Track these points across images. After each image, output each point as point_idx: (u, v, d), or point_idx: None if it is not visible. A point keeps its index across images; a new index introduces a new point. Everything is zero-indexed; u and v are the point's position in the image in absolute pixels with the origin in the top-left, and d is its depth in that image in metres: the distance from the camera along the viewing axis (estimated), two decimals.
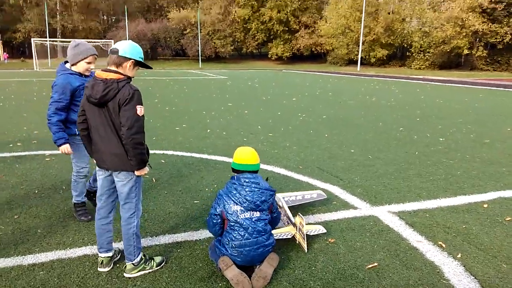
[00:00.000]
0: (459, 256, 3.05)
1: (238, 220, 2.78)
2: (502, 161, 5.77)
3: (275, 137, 7.30)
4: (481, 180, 4.91)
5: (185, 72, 31.93)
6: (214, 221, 2.87)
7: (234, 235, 2.76)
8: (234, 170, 3.04)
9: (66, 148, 3.38)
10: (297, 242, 3.19)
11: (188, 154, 6.05)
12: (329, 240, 3.29)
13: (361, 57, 40.24)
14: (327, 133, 7.73)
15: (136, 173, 2.62)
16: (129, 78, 2.59)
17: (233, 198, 2.83)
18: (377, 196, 4.32)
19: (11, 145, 6.52)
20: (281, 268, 2.86)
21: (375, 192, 4.45)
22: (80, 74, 3.39)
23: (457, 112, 10.68)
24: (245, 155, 3.06)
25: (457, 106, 11.98)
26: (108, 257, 2.82)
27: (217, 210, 2.85)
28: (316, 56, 52.80)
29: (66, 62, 3.45)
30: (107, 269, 2.80)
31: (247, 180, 2.87)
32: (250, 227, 2.76)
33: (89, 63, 3.36)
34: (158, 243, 3.22)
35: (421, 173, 5.18)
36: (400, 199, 4.25)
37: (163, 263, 2.89)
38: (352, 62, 44.57)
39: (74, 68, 3.38)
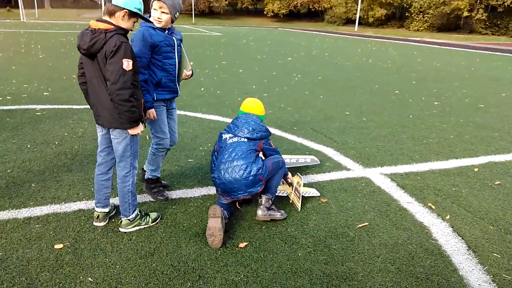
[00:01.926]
0: (447, 217, 3.13)
1: (227, 145, 2.98)
2: (495, 126, 5.81)
3: (270, 98, 7.23)
4: (473, 144, 4.96)
5: (178, 27, 31.00)
6: (213, 158, 3.10)
7: (220, 158, 2.94)
8: None
9: (152, 112, 2.95)
10: (291, 201, 3.24)
11: (182, 112, 5.99)
12: (322, 200, 3.35)
13: (359, 17, 39.27)
14: (322, 95, 7.67)
15: (129, 131, 2.53)
16: (122, 29, 2.41)
17: (226, 129, 3.09)
18: (370, 158, 4.35)
19: (0, 98, 6.38)
20: (274, 226, 2.92)
21: (368, 154, 4.49)
22: (163, 30, 2.95)
23: (453, 76, 10.61)
24: (252, 104, 3.26)
25: (453, 69, 11.89)
26: (104, 212, 2.83)
27: (214, 147, 3.09)
28: (313, 14, 51.37)
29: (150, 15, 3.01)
30: (102, 223, 2.82)
31: (244, 115, 3.13)
32: (234, 150, 2.92)
33: (155, 9, 2.90)
34: (152, 200, 3.25)
35: (414, 136, 5.21)
36: (393, 161, 4.29)
37: (159, 219, 2.92)
38: (350, 21, 43.53)
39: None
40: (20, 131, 4.78)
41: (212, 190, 3.44)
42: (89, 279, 2.29)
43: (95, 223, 2.83)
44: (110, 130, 2.60)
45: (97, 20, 2.41)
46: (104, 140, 2.69)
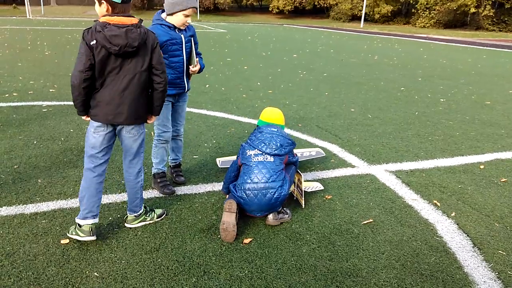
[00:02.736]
0: (453, 214, 3.12)
1: (251, 163, 2.87)
2: (501, 123, 5.77)
3: (274, 94, 7.22)
4: (479, 141, 4.93)
5: None
6: (231, 168, 3.03)
7: (245, 178, 2.83)
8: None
9: None
10: (295, 198, 3.25)
11: (187, 109, 5.99)
12: (326, 196, 3.34)
13: (365, 13, 39.02)
14: (327, 91, 7.65)
15: (153, 118, 2.68)
16: None
17: (250, 143, 2.97)
18: (375, 155, 4.34)
19: (6, 95, 6.43)
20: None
21: (373, 151, 4.48)
22: (174, 27, 2.99)
23: (459, 73, 10.53)
24: (273, 115, 3.19)
25: (460, 66, 11.80)
26: (96, 223, 2.58)
27: (237, 159, 3.00)
28: (318, 11, 51.13)
29: (163, 11, 3.05)
30: (94, 237, 2.55)
31: (268, 128, 3.02)
32: (260, 172, 2.83)
33: (187, 16, 2.95)
34: (158, 196, 3.26)
35: (419, 133, 5.19)
36: (398, 158, 4.28)
37: (164, 215, 2.93)
38: (355, 18, 43.28)
39: (169, 19, 2.98)
40: (27, 127, 4.81)
41: (217, 187, 3.45)
42: (95, 273, 2.31)
43: (86, 238, 2.52)
44: (126, 128, 2.53)
45: (119, 15, 2.31)
46: (106, 140, 2.55)
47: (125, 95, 2.42)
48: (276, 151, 2.90)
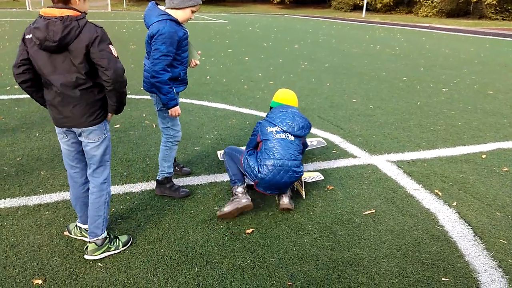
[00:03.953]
0: (454, 204, 3.13)
1: (273, 139, 2.87)
2: (503, 113, 5.75)
3: (276, 85, 7.20)
4: (481, 131, 4.92)
5: None
6: (251, 140, 3.05)
7: (268, 153, 2.83)
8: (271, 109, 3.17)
9: (177, 109, 2.90)
10: (295, 189, 3.26)
11: (188, 100, 5.99)
12: (328, 187, 3.35)
13: (367, 3, 38.67)
14: (329, 82, 7.62)
15: (109, 116, 2.35)
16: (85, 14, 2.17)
17: (271, 121, 2.95)
18: (377, 146, 4.34)
19: (8, 87, 6.43)
20: (280, 213, 2.94)
21: (374, 141, 4.47)
22: (178, 23, 2.83)
23: (462, 62, 10.46)
24: (289, 96, 3.18)
25: (462, 56, 11.71)
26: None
27: (255, 137, 3.00)
28: (320, 1, 50.65)
29: (156, 3, 2.87)
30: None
31: (290, 109, 3.02)
32: (283, 148, 2.85)
33: (193, 12, 2.85)
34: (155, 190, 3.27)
35: (421, 123, 5.18)
36: (399, 148, 4.28)
37: (130, 243, 2.54)
38: (357, 7, 42.89)
39: (174, 13, 2.80)
40: (29, 120, 4.82)
41: (218, 178, 3.46)
42: (99, 264, 2.33)
43: (91, 257, 2.38)
44: (83, 134, 2.26)
45: (53, 7, 2.07)
46: (74, 147, 2.34)
47: (66, 96, 2.15)
48: (298, 132, 2.95)
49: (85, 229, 2.53)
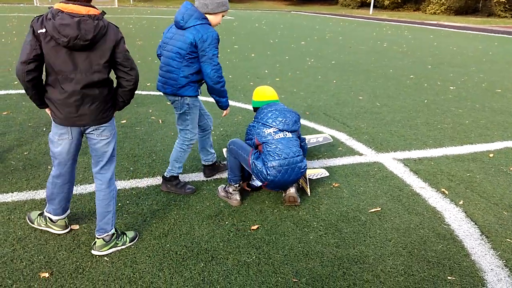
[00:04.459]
0: (461, 202, 3.11)
1: (274, 141, 2.87)
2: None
3: (282, 82, 7.18)
4: (488, 129, 4.87)
5: None
6: (247, 144, 3.01)
7: (272, 155, 2.83)
8: (256, 110, 3.15)
9: (229, 109, 3.16)
10: (300, 186, 3.25)
11: None
12: (334, 184, 3.35)
13: (374, 0, 38.38)
14: (335, 79, 7.59)
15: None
16: None
17: (264, 123, 2.94)
18: (383, 143, 4.32)
19: (16, 82, 6.48)
20: (286, 209, 2.94)
21: (381, 139, 4.45)
22: None
23: (470, 60, 10.36)
24: (269, 92, 3.17)
25: (470, 53, 11.60)
26: (68, 214, 2.59)
27: (250, 141, 2.98)
28: None
29: (191, 4, 2.87)
30: (69, 228, 2.57)
31: (275, 106, 3.01)
32: (286, 147, 2.86)
33: (223, 16, 2.93)
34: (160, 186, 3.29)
35: (428, 121, 5.14)
36: (406, 146, 4.25)
37: (137, 239, 2.54)
38: (364, 4, 42.58)
39: (208, 18, 2.85)
40: (36, 114, 4.86)
41: (224, 174, 3.46)
42: (105, 258, 2.35)
43: (63, 231, 2.52)
44: (96, 131, 2.27)
45: (80, 5, 2.04)
46: (73, 148, 2.32)
47: (85, 94, 2.14)
48: (293, 127, 2.96)
49: (54, 220, 2.49)
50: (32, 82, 2.11)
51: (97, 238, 2.39)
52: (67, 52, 2.05)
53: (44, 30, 2.01)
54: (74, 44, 2.01)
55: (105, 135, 2.30)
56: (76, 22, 1.99)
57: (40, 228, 2.55)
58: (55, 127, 2.25)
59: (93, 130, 2.26)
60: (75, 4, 2.03)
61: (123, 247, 2.45)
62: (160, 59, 3.00)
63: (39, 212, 2.61)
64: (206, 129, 3.27)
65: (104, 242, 2.39)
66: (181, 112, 2.97)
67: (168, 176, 3.13)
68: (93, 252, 2.39)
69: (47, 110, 2.27)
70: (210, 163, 3.40)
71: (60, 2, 2.05)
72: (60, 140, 2.26)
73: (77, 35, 1.99)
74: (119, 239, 2.45)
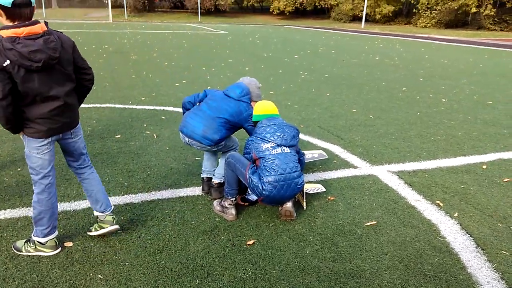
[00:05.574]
0: (456, 215, 3.12)
1: (271, 156, 2.87)
2: (503, 123, 5.76)
3: (276, 96, 7.23)
4: (481, 141, 4.92)
5: (184, 26, 31.07)
6: (245, 158, 3.02)
7: (269, 171, 2.82)
8: (256, 123, 3.16)
9: None
10: (296, 200, 3.25)
11: None
12: (329, 198, 3.35)
13: (366, 14, 39.02)
14: (329, 92, 7.65)
15: None
16: None
17: (263, 138, 2.94)
18: (377, 156, 4.34)
19: None
20: (281, 224, 2.93)
21: (375, 151, 4.48)
22: None
23: (461, 73, 10.52)
24: (269, 106, 3.18)
25: (461, 66, 11.78)
26: (57, 235, 2.56)
27: (250, 154, 2.97)
28: (319, 12, 51.12)
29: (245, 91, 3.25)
30: (60, 248, 2.53)
31: (274, 121, 3.02)
32: (283, 163, 2.85)
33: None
34: (161, 198, 3.27)
35: (422, 133, 5.19)
36: (400, 159, 4.28)
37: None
38: (356, 18, 43.27)
39: (252, 104, 3.26)
40: None
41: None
42: (99, 276, 2.32)
43: (55, 252, 2.49)
44: (73, 133, 2.42)
45: (32, 24, 2.03)
46: (51, 155, 2.36)
47: (68, 103, 2.27)
48: (291, 142, 2.95)
49: (43, 242, 2.44)
50: (12, 113, 2.10)
51: (109, 215, 2.61)
52: (39, 74, 2.08)
53: (8, 62, 1.96)
54: (46, 65, 2.06)
55: (79, 133, 2.48)
56: (43, 43, 2.01)
57: (30, 254, 2.48)
58: (33, 141, 2.25)
59: (70, 134, 2.41)
60: (27, 26, 1.99)
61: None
62: None
63: (25, 239, 2.54)
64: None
65: (114, 216, 2.63)
66: (222, 153, 3.37)
67: (218, 182, 3.29)
68: (112, 227, 2.60)
69: (20, 133, 2.27)
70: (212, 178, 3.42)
71: (5, 29, 1.97)
72: (40, 153, 2.29)
73: (48, 56, 2.04)
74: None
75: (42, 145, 2.27)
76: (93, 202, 2.63)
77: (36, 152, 2.28)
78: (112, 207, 2.68)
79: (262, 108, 3.14)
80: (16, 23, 2.00)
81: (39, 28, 2.03)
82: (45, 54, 2.02)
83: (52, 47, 2.05)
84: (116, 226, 2.65)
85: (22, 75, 2.01)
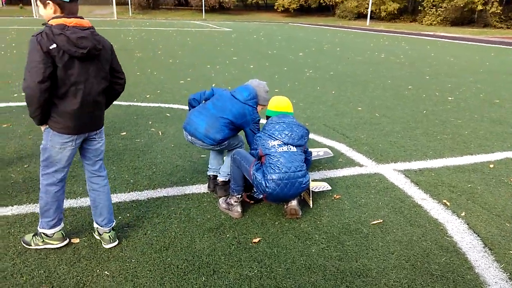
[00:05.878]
0: (463, 214, 3.10)
1: (276, 154, 2.86)
2: (510, 122, 5.71)
3: (281, 93, 7.21)
4: (488, 140, 4.89)
5: (188, 23, 31.07)
6: (251, 154, 3.02)
7: (273, 168, 2.82)
8: (268, 118, 3.17)
9: None
10: (302, 198, 3.24)
11: None
12: (335, 196, 3.34)
13: (371, 11, 38.82)
14: (334, 90, 7.62)
15: None
16: None
17: (270, 134, 2.94)
18: (383, 154, 4.32)
19: (15, 94, 6.48)
20: (287, 222, 2.92)
21: (381, 150, 4.46)
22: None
23: (467, 71, 10.44)
24: (283, 103, 3.18)
25: (467, 64, 11.70)
26: (63, 226, 2.57)
27: (255, 151, 2.98)
28: (324, 9, 50.92)
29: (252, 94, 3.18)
30: (67, 240, 2.57)
31: (287, 119, 3.02)
32: (288, 161, 2.84)
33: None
34: (166, 195, 3.28)
35: (428, 132, 5.15)
36: (406, 157, 4.25)
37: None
38: (361, 16, 43.07)
39: (258, 107, 3.24)
40: (35, 127, 4.85)
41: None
42: (106, 272, 2.32)
43: (62, 244, 2.51)
44: (98, 134, 2.42)
45: (81, 18, 2.17)
46: (73, 153, 2.36)
47: (96, 102, 2.29)
48: (298, 142, 2.94)
49: (50, 234, 2.46)
50: (46, 100, 2.12)
51: (106, 232, 2.54)
52: (80, 63, 2.16)
53: (55, 45, 2.05)
54: (90, 55, 2.15)
55: (103, 136, 2.48)
56: (90, 33, 2.15)
57: (38, 247, 2.50)
58: (58, 136, 2.25)
59: (95, 134, 2.41)
60: (77, 18, 2.14)
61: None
62: None
63: (33, 233, 2.56)
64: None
65: (114, 232, 2.58)
66: (228, 150, 3.33)
67: (223, 180, 3.27)
68: (108, 246, 2.54)
69: (43, 126, 2.26)
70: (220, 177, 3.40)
71: (55, 18, 2.10)
72: (61, 148, 2.28)
73: (94, 45, 2.15)
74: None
75: (67, 141, 2.27)
76: (96, 214, 2.54)
77: (59, 147, 2.28)
78: (114, 222, 2.58)
79: (276, 104, 3.15)
80: (62, 15, 2.14)
81: (86, 22, 2.18)
82: (91, 43, 2.14)
83: (97, 39, 2.19)
84: (113, 244, 2.56)
85: (65, 60, 2.10)
